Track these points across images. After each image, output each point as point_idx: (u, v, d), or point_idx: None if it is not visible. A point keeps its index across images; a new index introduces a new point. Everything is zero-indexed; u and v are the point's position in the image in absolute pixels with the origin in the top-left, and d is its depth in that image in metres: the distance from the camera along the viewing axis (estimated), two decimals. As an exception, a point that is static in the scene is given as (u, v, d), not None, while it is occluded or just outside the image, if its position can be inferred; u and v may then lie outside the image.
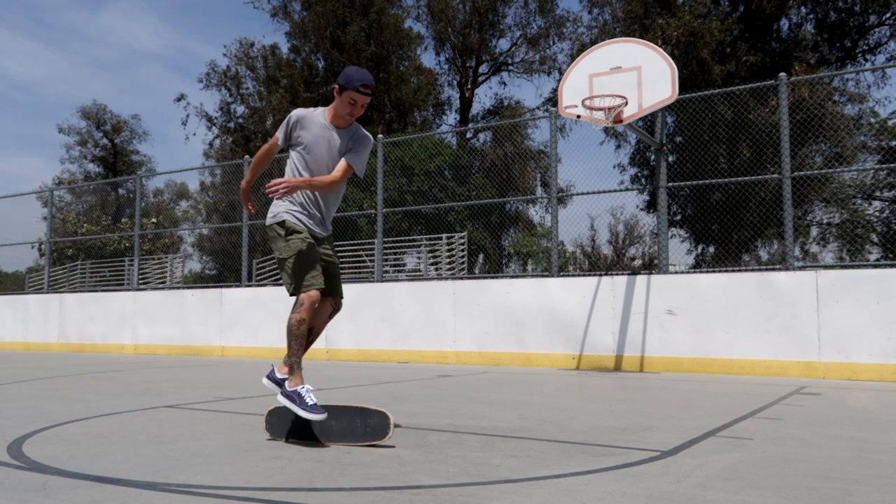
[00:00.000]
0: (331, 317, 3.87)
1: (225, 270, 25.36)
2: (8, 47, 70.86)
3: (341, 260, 15.89)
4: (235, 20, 65.15)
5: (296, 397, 3.46)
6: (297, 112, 3.77)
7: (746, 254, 18.29)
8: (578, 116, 8.16)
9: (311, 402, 3.43)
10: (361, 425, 3.45)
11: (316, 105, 28.16)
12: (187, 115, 35.17)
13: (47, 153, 76.64)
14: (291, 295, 3.60)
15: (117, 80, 77.54)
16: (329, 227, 3.87)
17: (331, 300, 3.82)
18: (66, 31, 73.19)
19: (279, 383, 3.57)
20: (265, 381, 3.64)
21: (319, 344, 10.71)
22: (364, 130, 3.85)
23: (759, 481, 2.70)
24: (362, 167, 3.78)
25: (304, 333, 3.55)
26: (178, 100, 32.13)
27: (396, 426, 4.02)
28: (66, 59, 76.06)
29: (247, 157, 12.58)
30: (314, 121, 3.73)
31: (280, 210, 3.68)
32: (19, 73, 73.49)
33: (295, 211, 3.67)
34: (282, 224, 3.64)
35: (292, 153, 3.76)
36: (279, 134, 3.77)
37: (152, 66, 77.85)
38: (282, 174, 3.96)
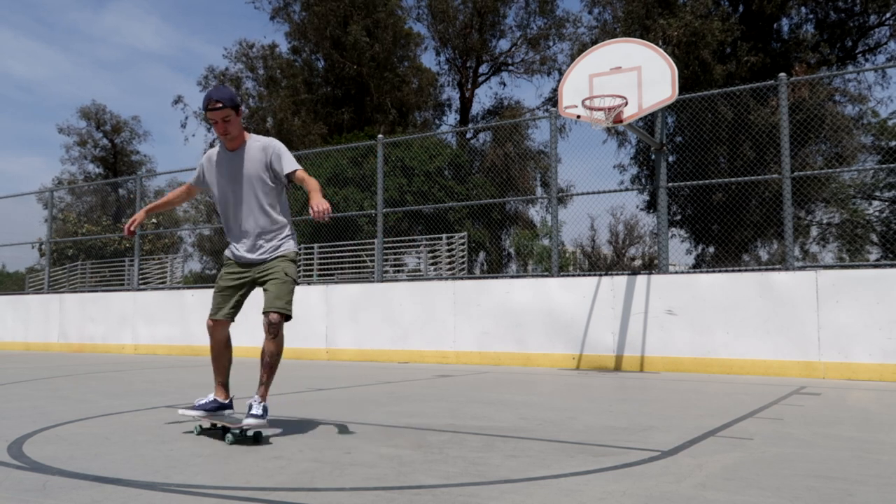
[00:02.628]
0: (269, 333, 3.71)
1: (225, 270, 25.34)
2: (10, 47, 70.92)
3: (341, 260, 15.89)
4: (238, 20, 65.20)
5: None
6: (205, 154, 3.97)
7: (746, 254, 18.29)
8: (578, 116, 8.16)
9: (197, 403, 3.86)
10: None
11: (315, 105, 28.20)
12: (186, 118, 35.12)
13: (49, 153, 76.69)
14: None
15: (120, 80, 77.61)
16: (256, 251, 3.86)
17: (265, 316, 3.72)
18: (69, 31, 73.25)
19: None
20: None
21: (319, 344, 10.71)
22: (264, 138, 3.85)
23: (759, 481, 2.70)
24: (293, 162, 3.81)
25: (214, 356, 3.91)
26: (176, 102, 32.14)
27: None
28: (68, 59, 76.14)
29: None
30: (211, 159, 3.91)
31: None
32: (22, 73, 73.56)
33: (229, 247, 4.02)
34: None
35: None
36: (193, 178, 4.03)
37: (155, 66, 77.91)
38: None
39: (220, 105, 3.63)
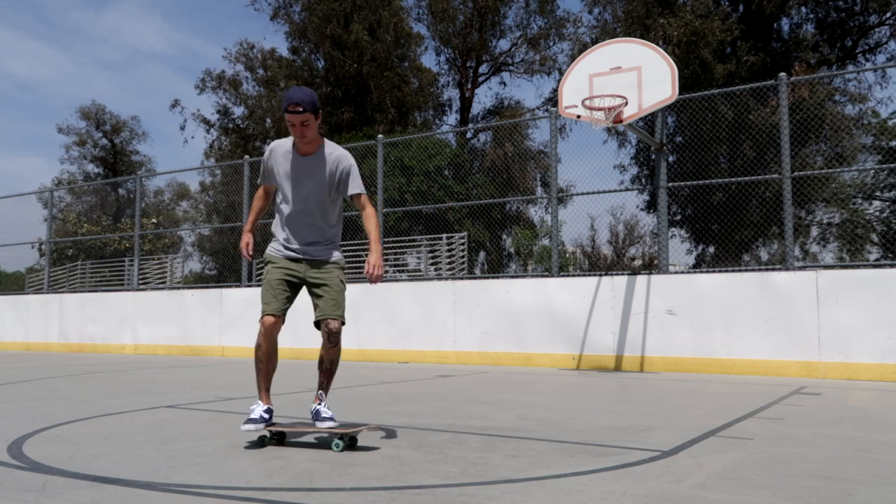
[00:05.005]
0: (330, 342, 3.66)
1: (225, 271, 25.37)
2: (13, 47, 71.01)
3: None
4: (241, 20, 65.29)
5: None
6: (270, 146, 3.81)
7: (746, 254, 18.29)
8: (578, 116, 8.16)
9: (251, 416, 3.50)
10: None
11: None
12: (185, 120, 35.06)
13: (50, 153, 76.85)
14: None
15: (122, 80, 77.74)
16: (318, 250, 3.78)
17: (323, 325, 3.66)
18: (71, 31, 73.36)
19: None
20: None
21: (320, 344, 10.72)
22: (339, 149, 3.76)
23: (759, 481, 2.70)
24: (359, 184, 3.78)
25: (259, 358, 3.65)
26: (173, 106, 32.10)
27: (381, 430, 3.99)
28: (70, 59, 76.26)
29: (246, 157, 12.58)
30: (281, 154, 3.74)
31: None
32: (24, 73, 73.65)
33: (274, 243, 3.83)
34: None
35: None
36: (260, 177, 3.87)
37: (157, 66, 78.01)
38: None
39: (301, 109, 3.51)
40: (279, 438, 3.62)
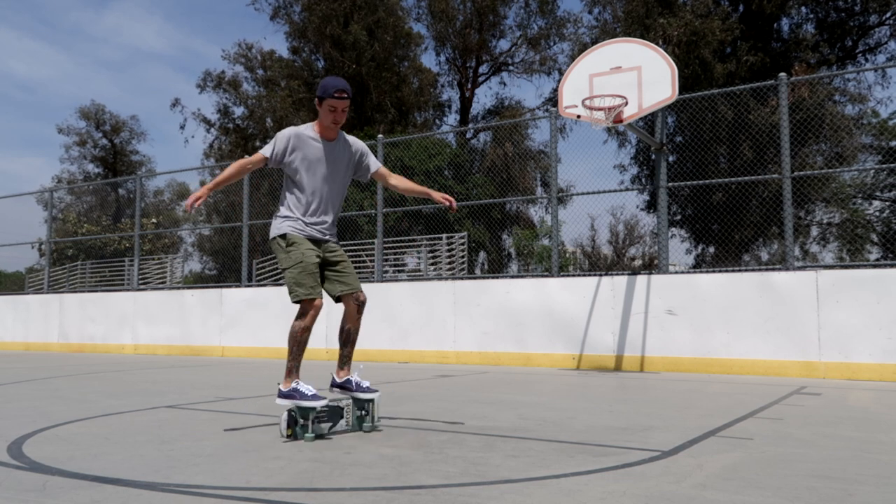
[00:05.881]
0: (359, 312, 3.94)
1: (225, 270, 25.36)
2: (13, 48, 71.04)
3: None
4: (241, 20, 65.33)
5: (295, 394, 3.65)
6: (290, 131, 3.86)
7: (746, 254, 18.28)
8: (578, 116, 8.16)
9: (310, 393, 3.65)
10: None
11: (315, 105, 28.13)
12: (185, 120, 34.96)
13: (50, 153, 76.93)
14: (294, 303, 3.79)
15: (122, 79, 77.78)
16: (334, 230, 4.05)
17: (352, 298, 3.90)
18: (71, 31, 73.41)
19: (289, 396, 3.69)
20: (280, 401, 3.69)
21: (319, 344, 10.72)
22: (350, 136, 4.04)
23: (759, 481, 2.70)
24: (376, 160, 4.16)
25: (305, 340, 3.79)
26: (174, 105, 32.10)
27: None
28: (70, 59, 76.31)
29: (246, 157, 12.58)
30: (307, 140, 3.85)
31: (281, 224, 3.89)
32: (24, 73, 73.68)
33: (294, 224, 3.88)
34: (283, 237, 3.85)
35: (288, 173, 3.90)
36: (270, 152, 3.85)
37: (157, 66, 78.05)
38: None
39: (346, 95, 3.75)
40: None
